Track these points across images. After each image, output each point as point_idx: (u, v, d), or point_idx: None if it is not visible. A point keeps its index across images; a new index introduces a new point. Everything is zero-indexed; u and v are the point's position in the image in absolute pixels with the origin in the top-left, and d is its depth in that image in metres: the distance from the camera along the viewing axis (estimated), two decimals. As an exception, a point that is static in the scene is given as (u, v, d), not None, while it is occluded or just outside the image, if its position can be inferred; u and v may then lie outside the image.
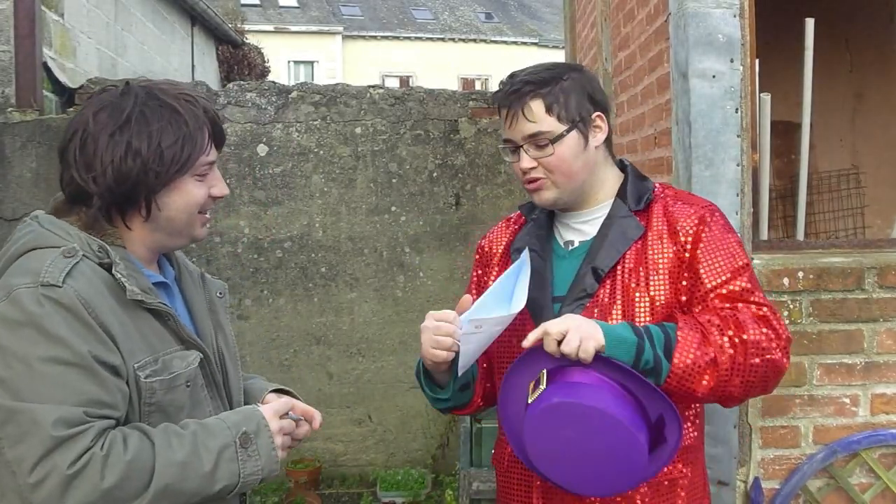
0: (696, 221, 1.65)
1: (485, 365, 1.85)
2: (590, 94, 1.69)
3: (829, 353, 2.47)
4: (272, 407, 1.49)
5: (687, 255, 1.63)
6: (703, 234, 1.64)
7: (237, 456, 1.38)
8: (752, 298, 1.60)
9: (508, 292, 1.63)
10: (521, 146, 1.68)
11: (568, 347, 1.46)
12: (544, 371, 1.51)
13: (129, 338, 1.35)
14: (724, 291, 1.60)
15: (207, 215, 1.53)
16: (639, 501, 1.63)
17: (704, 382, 1.52)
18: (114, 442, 1.28)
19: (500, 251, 1.86)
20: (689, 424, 1.67)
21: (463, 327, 1.58)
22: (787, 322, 2.45)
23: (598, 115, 1.71)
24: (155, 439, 1.32)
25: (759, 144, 2.62)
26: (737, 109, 2.44)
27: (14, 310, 1.29)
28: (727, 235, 1.66)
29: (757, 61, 2.55)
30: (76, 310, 1.29)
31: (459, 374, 1.67)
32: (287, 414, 1.52)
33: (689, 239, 1.64)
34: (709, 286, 1.61)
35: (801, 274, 2.47)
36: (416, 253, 4.95)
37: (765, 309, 1.59)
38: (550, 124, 1.65)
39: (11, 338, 1.28)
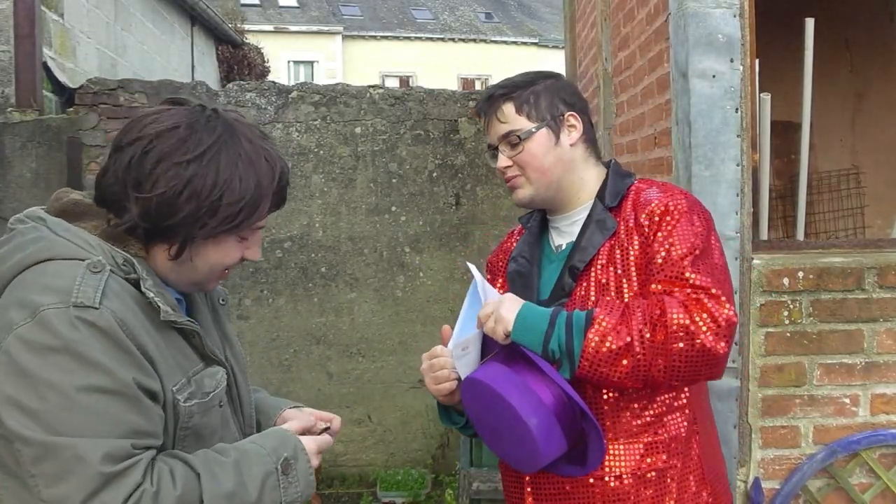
0: (661, 210, 1.64)
1: None
2: (562, 97, 1.76)
3: (829, 353, 2.47)
4: (301, 426, 1.47)
5: (650, 243, 1.63)
6: (663, 223, 1.63)
7: (279, 483, 1.31)
8: (690, 281, 1.56)
9: (476, 307, 1.67)
10: (497, 147, 1.75)
11: (486, 328, 1.59)
12: (494, 353, 1.62)
13: (165, 359, 1.26)
14: (663, 275, 1.59)
15: (227, 273, 1.42)
16: (625, 492, 1.62)
17: (622, 365, 1.51)
18: (161, 476, 1.19)
19: (502, 262, 1.91)
20: (676, 414, 1.66)
21: (453, 354, 1.65)
22: (786, 322, 2.45)
23: (571, 115, 1.75)
24: (199, 470, 1.23)
25: (759, 144, 2.62)
26: (737, 109, 2.44)
27: (44, 334, 1.15)
28: (686, 220, 1.63)
29: (757, 61, 2.55)
30: (115, 334, 1.17)
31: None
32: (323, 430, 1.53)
33: (653, 227, 1.64)
34: (654, 270, 1.61)
35: (801, 274, 2.47)
36: (416, 253, 4.95)
37: (700, 293, 1.55)
38: (521, 123, 1.72)
39: (43, 365, 1.14)
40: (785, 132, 3.92)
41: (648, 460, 1.63)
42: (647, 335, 1.51)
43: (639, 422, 1.64)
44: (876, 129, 4.72)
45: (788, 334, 2.47)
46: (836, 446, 2.46)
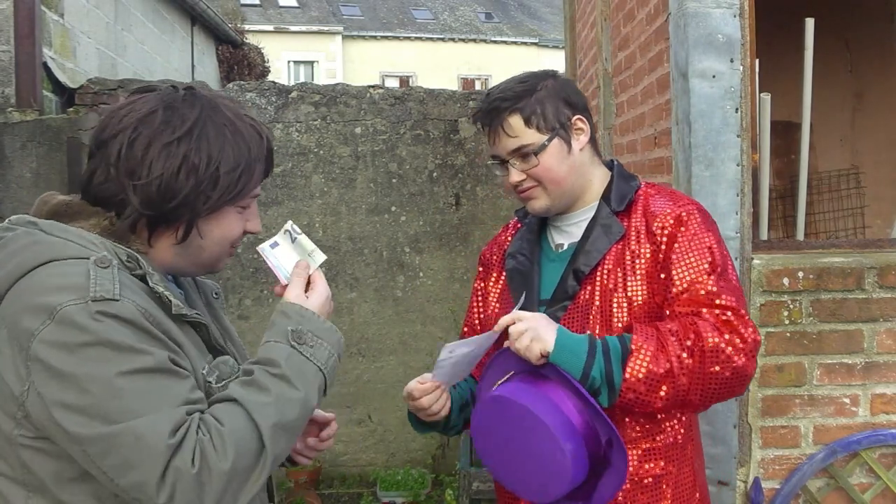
0: (673, 221, 1.65)
1: None
2: (565, 99, 1.72)
3: (829, 353, 2.48)
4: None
5: (662, 254, 1.63)
6: (679, 235, 1.63)
7: (303, 354, 1.28)
8: (717, 301, 1.58)
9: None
10: (508, 161, 1.71)
11: (518, 344, 1.52)
12: (512, 372, 1.56)
13: (189, 347, 1.26)
14: (688, 296, 1.59)
15: (236, 249, 1.41)
16: (621, 499, 1.63)
17: (661, 394, 1.52)
18: (206, 423, 1.17)
19: (498, 257, 1.89)
20: (675, 422, 1.67)
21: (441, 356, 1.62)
22: (786, 322, 2.45)
23: (578, 118, 1.73)
24: (235, 395, 1.22)
25: (759, 144, 2.62)
26: (737, 109, 2.44)
27: (70, 331, 1.12)
28: (703, 235, 1.64)
29: (757, 61, 2.55)
30: (140, 322, 1.16)
31: (446, 386, 1.70)
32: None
33: (665, 239, 1.64)
34: (676, 289, 1.60)
35: (801, 274, 2.47)
36: (416, 253, 4.95)
37: (729, 313, 1.57)
38: (532, 136, 1.68)
39: (78, 361, 1.12)
40: (785, 132, 3.92)
41: (647, 466, 1.64)
42: (686, 361, 1.51)
43: (638, 428, 1.64)
44: (876, 129, 4.71)
45: (788, 334, 2.47)
46: (836, 446, 2.46)
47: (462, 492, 3.49)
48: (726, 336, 1.53)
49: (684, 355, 1.51)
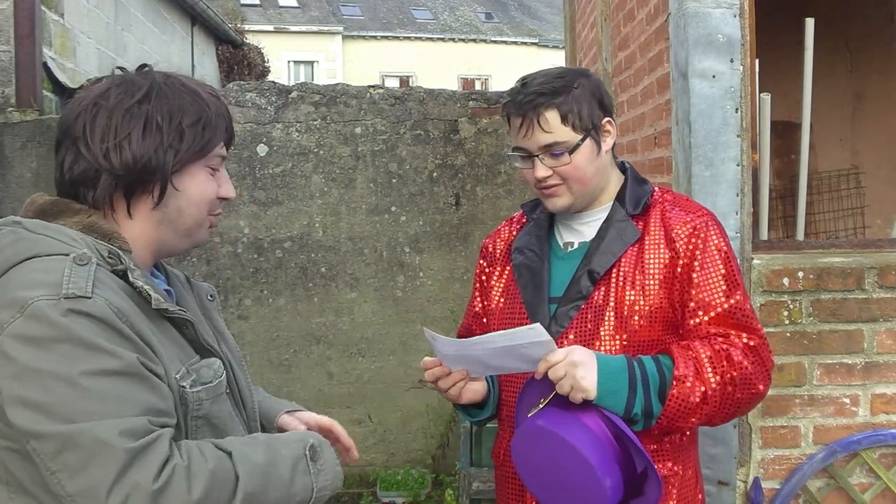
0: (690, 231, 1.67)
1: None
2: (599, 100, 1.71)
3: (829, 353, 2.48)
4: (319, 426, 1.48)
5: (680, 265, 1.65)
6: (698, 251, 1.65)
7: (309, 469, 1.28)
8: (746, 323, 1.64)
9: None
10: (537, 155, 1.69)
11: (560, 390, 1.52)
12: (552, 394, 1.55)
13: (164, 348, 1.24)
14: (716, 314, 1.63)
15: (215, 219, 1.42)
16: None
17: (693, 420, 1.58)
18: (191, 451, 1.16)
19: (503, 250, 1.88)
20: None
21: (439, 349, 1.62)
22: (786, 322, 2.46)
23: (608, 121, 1.73)
24: (229, 448, 1.21)
25: (759, 144, 2.62)
26: (737, 109, 2.44)
27: (39, 325, 1.11)
28: (721, 250, 1.67)
29: (757, 61, 2.55)
30: (111, 321, 1.15)
31: (464, 375, 1.68)
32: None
33: (684, 250, 1.66)
34: (703, 308, 1.63)
35: (801, 274, 2.47)
36: (416, 253, 4.95)
37: (756, 338, 1.63)
38: (566, 134, 1.66)
39: (42, 357, 1.10)
40: (785, 132, 3.92)
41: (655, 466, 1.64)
42: (718, 390, 1.56)
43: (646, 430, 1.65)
44: (876, 129, 4.71)
45: (788, 334, 2.47)
46: (836, 446, 2.46)
47: (462, 492, 3.49)
48: (753, 362, 1.60)
49: (717, 383, 1.56)
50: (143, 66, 1.38)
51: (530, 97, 1.65)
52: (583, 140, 1.67)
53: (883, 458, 2.50)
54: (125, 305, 1.19)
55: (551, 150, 1.66)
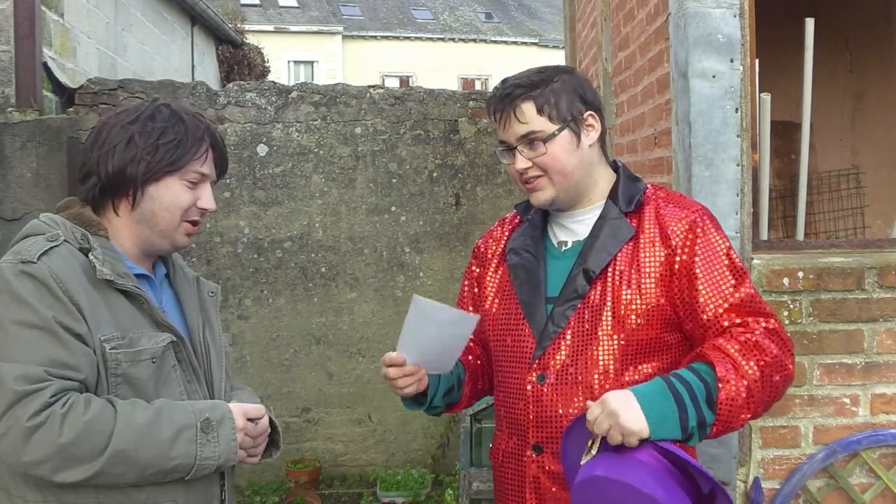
0: (686, 227, 1.66)
1: (479, 362, 1.89)
2: (581, 95, 1.72)
3: (829, 353, 2.47)
4: (242, 407, 1.58)
5: (678, 262, 1.64)
6: (697, 246, 1.65)
7: (196, 438, 1.47)
8: (760, 309, 1.63)
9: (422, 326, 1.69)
10: (516, 147, 1.70)
11: (612, 441, 1.46)
12: (599, 438, 1.49)
13: (98, 313, 1.47)
14: (729, 305, 1.62)
15: (195, 227, 1.64)
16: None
17: (744, 416, 1.56)
18: (76, 403, 1.39)
19: (496, 251, 1.88)
20: None
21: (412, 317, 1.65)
22: (786, 322, 2.46)
23: (591, 114, 1.73)
24: (118, 406, 1.43)
25: (759, 144, 2.62)
26: (737, 109, 2.44)
27: None
28: (720, 242, 1.67)
29: (757, 61, 2.55)
30: (46, 282, 1.43)
31: (420, 371, 1.73)
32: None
33: (681, 246, 1.65)
34: (715, 303, 1.62)
35: (801, 274, 2.47)
36: (416, 253, 4.95)
37: (772, 321, 1.63)
38: (542, 124, 1.68)
39: None
40: (785, 132, 3.92)
41: None
42: (758, 381, 1.55)
43: None
44: (876, 129, 4.71)
45: (788, 334, 2.47)
46: (836, 446, 2.46)
47: (462, 492, 3.49)
48: (778, 345, 1.59)
49: (756, 374, 1.55)
50: (155, 99, 1.66)
51: (508, 90, 1.70)
52: (560, 130, 1.68)
53: (883, 458, 2.50)
54: (69, 273, 1.46)
55: (528, 139, 1.68)
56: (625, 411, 1.45)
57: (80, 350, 1.44)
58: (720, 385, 1.52)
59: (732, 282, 1.63)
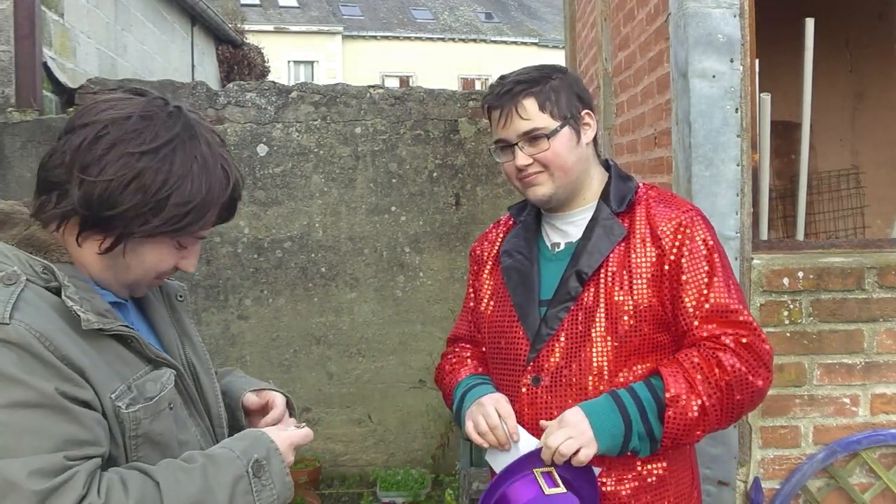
0: (674, 228, 1.66)
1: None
2: (577, 93, 1.74)
3: (829, 353, 2.47)
4: (288, 436, 1.35)
5: (667, 264, 1.65)
6: (685, 247, 1.65)
7: (251, 488, 1.23)
8: (735, 319, 1.63)
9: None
10: (516, 144, 1.70)
11: (578, 463, 1.57)
12: (553, 471, 1.60)
13: (98, 368, 1.17)
14: (702, 312, 1.63)
15: (160, 280, 1.37)
16: (626, 497, 1.65)
17: (698, 433, 1.60)
18: (112, 487, 1.10)
19: (491, 253, 1.88)
20: None
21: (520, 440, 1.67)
22: (786, 322, 2.45)
23: (587, 113, 1.75)
24: (158, 478, 1.15)
25: (759, 144, 2.62)
26: (737, 109, 2.44)
27: None
28: (707, 244, 1.66)
29: (757, 61, 2.55)
30: (30, 347, 1.10)
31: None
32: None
33: (670, 247, 1.65)
34: (691, 307, 1.63)
35: (801, 274, 2.47)
36: (416, 253, 4.95)
37: (746, 334, 1.62)
38: (544, 121, 1.68)
39: None
40: (785, 132, 3.92)
41: (650, 466, 1.66)
42: (715, 398, 1.57)
43: None
44: (876, 129, 4.72)
45: (788, 334, 2.47)
46: (836, 446, 2.46)
47: (462, 492, 3.49)
48: (746, 360, 1.60)
49: (711, 394, 1.57)
50: (179, 107, 1.28)
51: (508, 87, 1.69)
52: (561, 126, 1.68)
53: (883, 458, 2.50)
54: (51, 327, 1.13)
55: (530, 136, 1.68)
56: (578, 434, 1.56)
57: (92, 420, 1.14)
58: (668, 404, 1.56)
59: (705, 291, 1.63)
